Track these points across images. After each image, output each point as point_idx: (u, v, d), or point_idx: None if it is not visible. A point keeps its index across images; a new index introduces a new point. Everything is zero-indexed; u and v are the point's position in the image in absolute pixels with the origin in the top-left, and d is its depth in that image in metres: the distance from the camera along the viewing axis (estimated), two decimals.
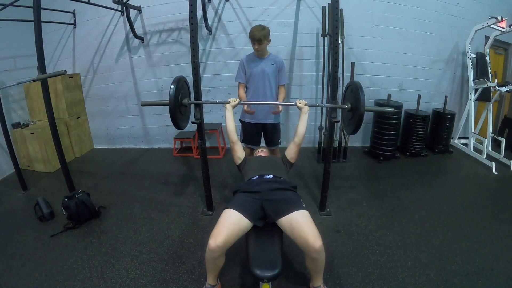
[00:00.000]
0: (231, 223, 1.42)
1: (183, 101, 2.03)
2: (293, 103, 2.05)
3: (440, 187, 2.95)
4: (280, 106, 2.36)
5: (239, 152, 1.96)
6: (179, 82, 1.97)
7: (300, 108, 2.01)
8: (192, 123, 2.16)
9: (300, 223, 1.41)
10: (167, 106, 1.95)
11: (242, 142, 2.63)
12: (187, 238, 2.18)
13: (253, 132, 2.56)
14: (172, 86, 1.90)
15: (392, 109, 2.13)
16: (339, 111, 2.38)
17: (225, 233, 1.37)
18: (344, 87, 2.34)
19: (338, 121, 2.24)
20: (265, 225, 1.52)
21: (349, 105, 1.98)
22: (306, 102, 2.02)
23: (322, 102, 3.65)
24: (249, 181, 1.74)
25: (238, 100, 2.06)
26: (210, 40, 3.67)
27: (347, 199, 2.69)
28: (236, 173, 3.31)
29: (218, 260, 1.44)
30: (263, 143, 2.70)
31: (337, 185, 2.94)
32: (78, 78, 4.01)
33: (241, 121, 2.59)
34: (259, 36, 2.20)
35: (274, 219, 1.48)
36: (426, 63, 3.86)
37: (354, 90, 1.90)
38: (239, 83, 2.45)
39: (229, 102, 2.03)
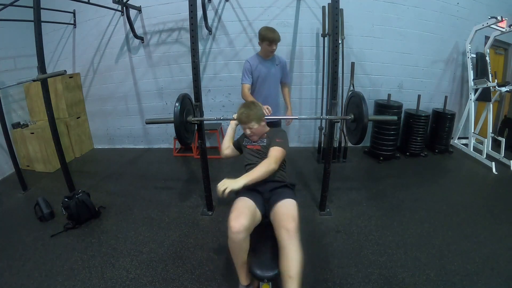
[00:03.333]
0: (247, 207, 1.43)
1: (187, 119, 2.04)
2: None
3: (440, 187, 2.95)
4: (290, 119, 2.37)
5: (231, 152, 1.96)
6: (184, 99, 1.96)
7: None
8: (192, 122, 2.16)
9: (281, 207, 1.40)
10: (169, 110, 1.93)
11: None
12: (187, 238, 2.18)
13: None
14: (177, 104, 1.87)
15: (395, 118, 2.13)
16: (339, 111, 2.37)
17: (246, 214, 1.37)
18: (346, 97, 2.33)
19: (338, 121, 2.23)
20: (264, 225, 1.52)
21: (352, 116, 1.97)
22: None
23: (321, 102, 3.65)
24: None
25: None
26: (210, 40, 3.67)
27: (347, 199, 2.69)
28: (236, 173, 3.30)
29: (245, 244, 1.34)
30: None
31: (337, 185, 2.94)
32: (78, 78, 4.01)
33: None
34: (279, 38, 2.24)
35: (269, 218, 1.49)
36: (426, 63, 3.86)
37: (357, 101, 1.89)
38: (245, 84, 2.39)
39: (234, 119, 1.98)
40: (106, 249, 2.07)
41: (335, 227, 2.28)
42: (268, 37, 2.23)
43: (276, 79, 2.43)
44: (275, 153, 1.60)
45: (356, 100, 1.93)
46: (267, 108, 2.14)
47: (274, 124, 2.57)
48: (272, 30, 2.26)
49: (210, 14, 3.54)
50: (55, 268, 1.89)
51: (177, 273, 1.83)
